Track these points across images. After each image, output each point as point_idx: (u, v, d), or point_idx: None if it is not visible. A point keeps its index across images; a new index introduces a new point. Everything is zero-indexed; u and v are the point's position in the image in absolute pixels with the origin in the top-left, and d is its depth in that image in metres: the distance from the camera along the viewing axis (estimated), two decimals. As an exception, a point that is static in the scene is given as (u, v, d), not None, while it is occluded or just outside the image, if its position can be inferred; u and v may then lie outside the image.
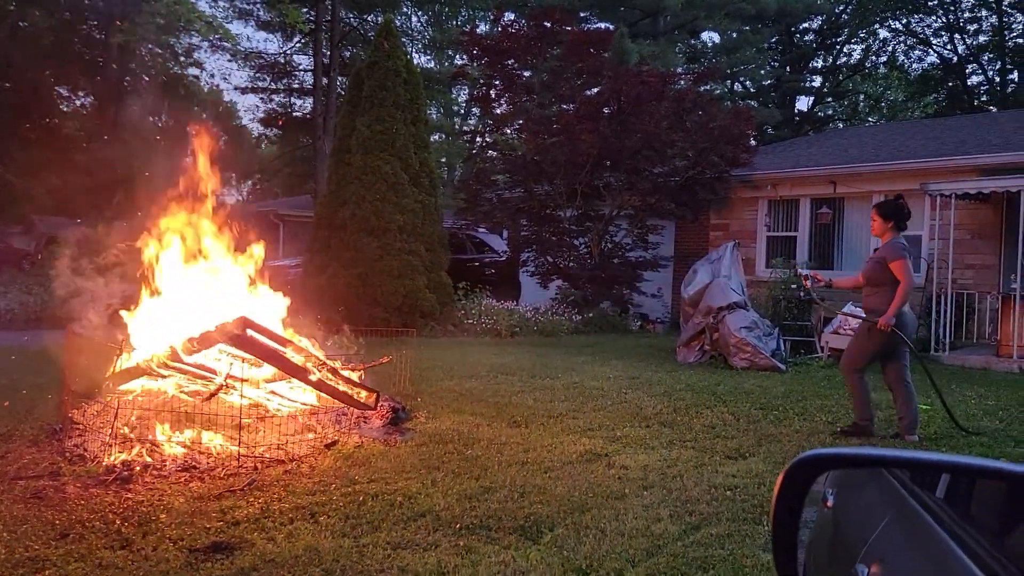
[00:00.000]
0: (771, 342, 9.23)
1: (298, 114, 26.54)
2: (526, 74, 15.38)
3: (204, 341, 4.19)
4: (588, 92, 14.97)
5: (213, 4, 24.56)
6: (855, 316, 5.95)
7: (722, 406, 6.43)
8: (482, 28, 28.89)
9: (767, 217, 14.26)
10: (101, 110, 21.76)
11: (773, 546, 1.10)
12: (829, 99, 32.41)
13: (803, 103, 32.16)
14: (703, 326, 9.42)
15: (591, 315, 13.65)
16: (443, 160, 33.04)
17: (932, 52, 30.77)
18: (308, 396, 5.11)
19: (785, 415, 6.11)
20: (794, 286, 9.02)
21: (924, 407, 6.57)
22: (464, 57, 19.03)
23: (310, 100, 25.02)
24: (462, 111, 35.84)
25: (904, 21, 30.00)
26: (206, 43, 23.76)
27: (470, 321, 12.30)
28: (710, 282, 9.60)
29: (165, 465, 4.03)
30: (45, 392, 5.67)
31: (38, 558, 2.92)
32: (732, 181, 14.28)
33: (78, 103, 23.68)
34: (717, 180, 14.19)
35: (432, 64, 32.97)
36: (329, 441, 4.69)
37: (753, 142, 16.33)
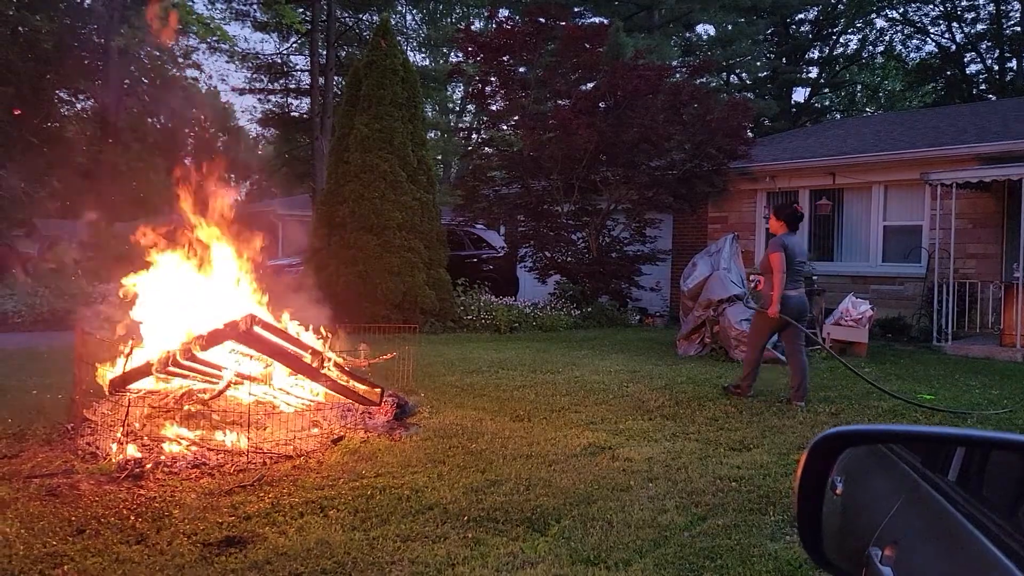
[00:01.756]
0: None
1: (295, 114, 26.52)
2: (521, 70, 15.38)
3: (213, 338, 4.21)
4: (584, 87, 14.96)
5: (210, 6, 24.47)
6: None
7: (724, 399, 6.45)
8: (477, 25, 28.86)
9: (766, 209, 14.27)
10: (101, 113, 21.71)
11: (799, 524, 1.12)
12: (826, 90, 32.43)
13: (800, 94, 32.22)
14: (703, 319, 9.43)
15: (590, 310, 13.68)
16: (439, 157, 33.03)
17: (930, 41, 30.83)
18: (313, 392, 5.13)
19: (788, 406, 6.13)
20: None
21: (928, 397, 6.61)
22: (460, 54, 18.99)
23: (307, 100, 24.99)
24: (458, 108, 35.81)
25: (901, 10, 29.99)
26: (204, 45, 23.73)
27: (470, 317, 12.33)
28: (710, 275, 9.60)
29: (176, 462, 4.05)
30: (56, 392, 5.69)
31: (56, 554, 2.94)
32: (730, 173, 14.28)
33: (79, 107, 23.65)
34: (715, 173, 14.20)
35: (428, 62, 32.94)
36: (336, 436, 4.72)
37: (751, 134, 16.34)
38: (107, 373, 4.63)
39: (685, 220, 15.50)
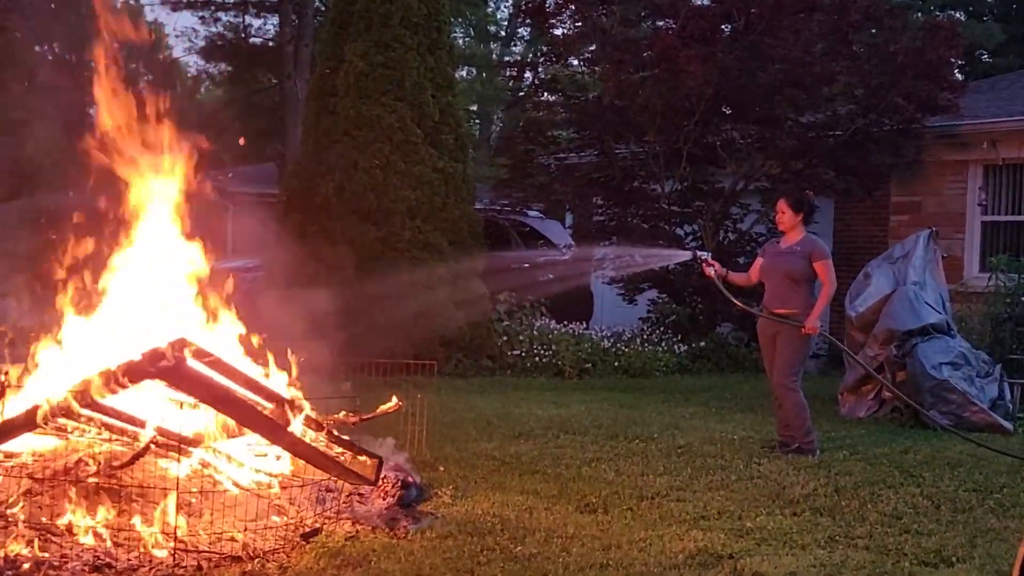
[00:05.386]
0: (990, 387, 9.12)
1: (256, 40, 27.14)
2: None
3: (128, 375, 4.29)
4: (699, 1, 14.94)
5: None
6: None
7: (912, 485, 6.41)
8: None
9: (982, 192, 14.00)
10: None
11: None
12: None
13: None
14: (881, 361, 9.32)
15: (703, 344, 13.60)
16: (474, 108, 33.32)
17: None
18: (276, 460, 5.19)
19: (1014, 499, 6.05)
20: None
21: None
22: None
23: (274, 19, 25.58)
24: (504, 33, 36.13)
25: None
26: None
27: (516, 352, 12.38)
28: (892, 292, 9.53)
29: (67, 562, 4.10)
30: None
31: None
32: (926, 136, 14.10)
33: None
34: (902, 134, 14.01)
35: (458, -39, 33.33)
36: (308, 530, 4.76)
37: (960, 75, 16.05)
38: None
39: (853, 207, 15.30)
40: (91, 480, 4.63)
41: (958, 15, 26.61)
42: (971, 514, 5.69)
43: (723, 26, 14.16)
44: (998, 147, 13.80)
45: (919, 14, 21.60)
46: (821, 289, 7.53)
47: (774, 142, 13.87)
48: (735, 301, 8.04)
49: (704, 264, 7.93)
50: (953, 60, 14.90)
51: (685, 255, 8.46)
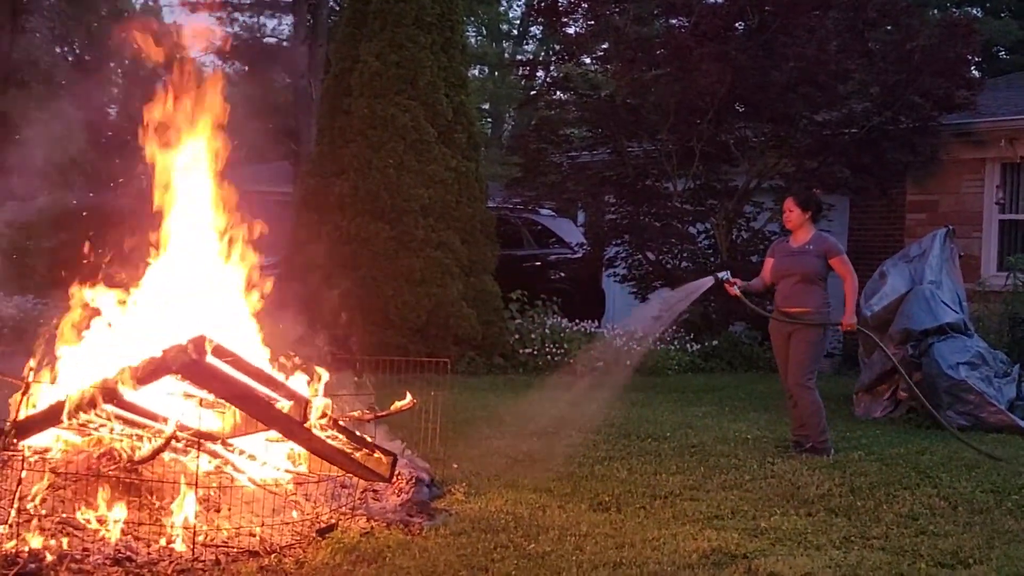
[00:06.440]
0: (1008, 387, 9.10)
1: (271, 40, 27.24)
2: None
3: (148, 372, 4.33)
4: (712, -1, 14.93)
5: None
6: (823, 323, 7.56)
7: (929, 486, 6.39)
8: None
9: (999, 190, 13.95)
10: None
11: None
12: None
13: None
14: (896, 361, 9.29)
15: (715, 343, 13.61)
16: (487, 106, 33.37)
17: None
18: (286, 457, 5.20)
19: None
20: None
21: None
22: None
23: (289, 19, 25.65)
24: (516, 31, 36.17)
25: None
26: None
27: (528, 350, 12.39)
28: (907, 292, 9.50)
29: (88, 555, 4.13)
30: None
31: None
32: (943, 133, 14.05)
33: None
34: (918, 132, 13.97)
35: (470, -40, 33.39)
36: (323, 526, 4.78)
37: (976, 72, 15.99)
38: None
39: (869, 206, 15.26)
40: (112, 475, 4.67)
41: (975, 12, 26.49)
42: (988, 516, 5.66)
43: (737, 24, 14.15)
44: (1015, 145, 13.74)
45: (935, 11, 21.54)
46: (843, 285, 7.54)
47: (788, 140, 13.86)
48: (764, 313, 8.15)
49: (727, 284, 7.83)
50: (970, 57, 14.83)
51: (708, 282, 8.43)
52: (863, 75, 13.92)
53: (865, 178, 14.14)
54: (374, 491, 5.36)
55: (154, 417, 4.72)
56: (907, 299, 9.45)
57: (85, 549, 4.20)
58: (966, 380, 8.78)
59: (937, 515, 5.63)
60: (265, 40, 27.57)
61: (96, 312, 5.40)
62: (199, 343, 4.35)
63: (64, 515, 4.43)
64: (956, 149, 14.17)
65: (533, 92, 23.60)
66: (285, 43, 26.43)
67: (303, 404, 4.90)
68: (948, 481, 6.52)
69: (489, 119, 33.93)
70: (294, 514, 4.88)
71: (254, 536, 4.54)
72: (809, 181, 14.08)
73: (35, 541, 4.21)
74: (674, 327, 13.92)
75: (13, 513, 4.31)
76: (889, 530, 5.28)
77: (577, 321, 13.62)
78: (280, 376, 5.25)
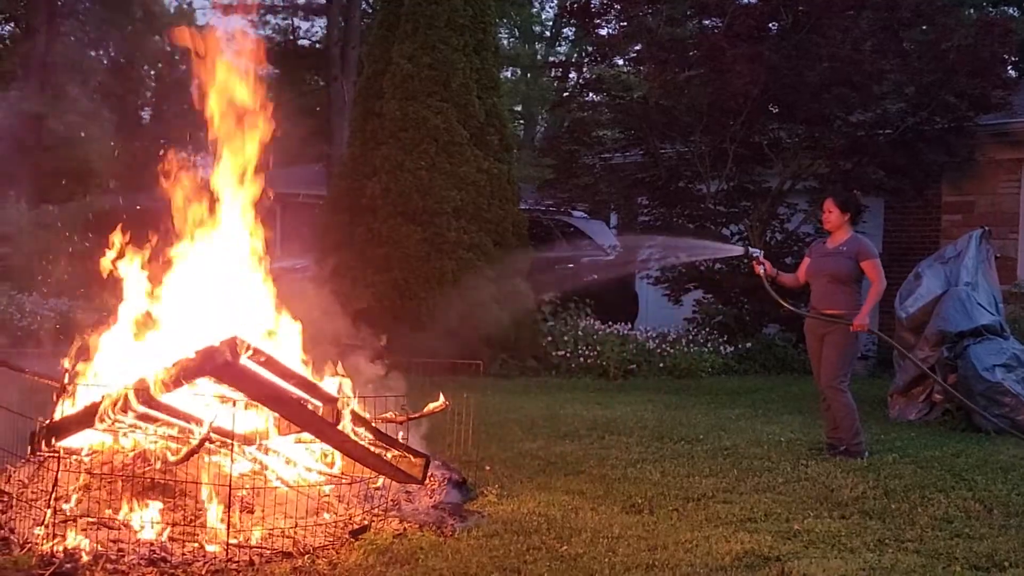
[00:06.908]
0: (1044, 389, 8.98)
1: (304, 42, 27.39)
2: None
3: (181, 373, 4.37)
4: (745, -1, 14.88)
5: None
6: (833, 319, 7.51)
7: (964, 489, 6.34)
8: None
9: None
10: (25, 40, 22.83)
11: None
12: None
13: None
14: (932, 363, 9.23)
15: (749, 346, 13.57)
16: (519, 108, 33.38)
17: None
18: (324, 460, 5.24)
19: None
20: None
21: None
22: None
23: (322, 22, 25.79)
24: (549, 33, 36.15)
25: None
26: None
27: (561, 353, 12.41)
28: (943, 293, 9.44)
29: (123, 555, 4.19)
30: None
31: None
32: (979, 134, 13.97)
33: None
34: (954, 133, 13.88)
35: (503, -38, 33.43)
36: (356, 527, 4.81)
37: (1013, 72, 15.82)
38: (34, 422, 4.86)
39: (904, 207, 15.18)
40: (147, 476, 4.72)
41: (1011, 12, 26.17)
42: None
43: (770, 24, 14.10)
44: (1052, 146, 13.63)
45: (971, 10, 21.32)
46: (870, 288, 7.52)
47: (822, 141, 13.79)
48: (781, 301, 8.00)
49: (755, 262, 7.86)
50: (1006, 57, 14.69)
51: (737, 250, 8.43)
52: (898, 75, 13.82)
53: (900, 179, 14.04)
54: (407, 492, 5.38)
55: (188, 418, 4.76)
56: (942, 301, 9.38)
57: (120, 549, 4.26)
58: (1002, 382, 8.70)
59: (972, 518, 5.59)
60: (298, 42, 27.73)
61: (130, 313, 5.47)
62: (232, 344, 4.38)
63: (99, 515, 4.49)
64: (992, 150, 14.08)
65: (566, 94, 23.59)
66: (318, 45, 26.57)
67: (336, 406, 4.93)
68: (983, 484, 6.47)
69: (521, 121, 33.92)
70: (327, 515, 4.91)
71: (288, 537, 4.57)
72: (844, 182, 14.02)
73: (71, 541, 4.28)
74: (707, 329, 13.90)
75: (49, 513, 4.38)
76: (924, 533, 5.25)
77: (609, 323, 13.62)
78: (313, 378, 5.28)
